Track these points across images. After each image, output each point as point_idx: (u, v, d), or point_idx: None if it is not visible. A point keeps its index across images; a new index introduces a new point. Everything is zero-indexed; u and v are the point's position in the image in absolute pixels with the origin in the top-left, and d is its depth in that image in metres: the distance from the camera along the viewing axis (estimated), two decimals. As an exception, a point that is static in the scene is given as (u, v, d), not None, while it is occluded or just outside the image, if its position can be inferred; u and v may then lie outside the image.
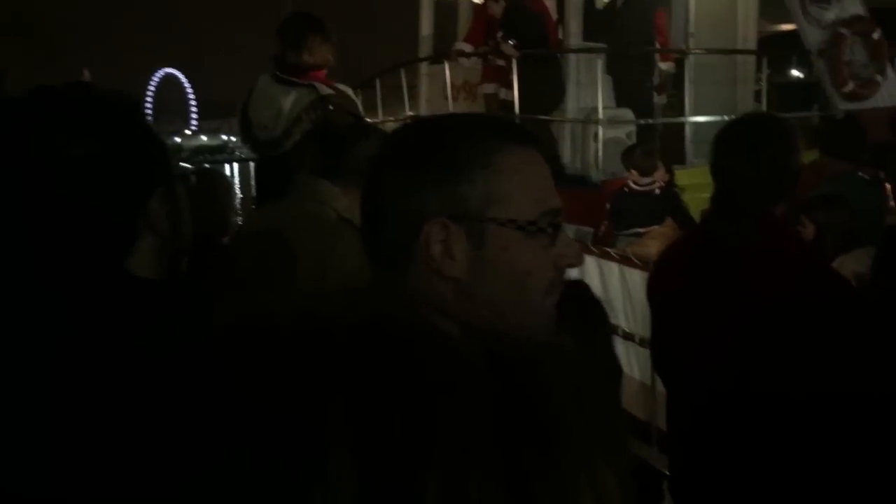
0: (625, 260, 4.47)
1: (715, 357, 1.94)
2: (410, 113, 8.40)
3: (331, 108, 3.14)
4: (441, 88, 7.76)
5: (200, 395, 0.35)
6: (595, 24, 7.09)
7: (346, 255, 2.14)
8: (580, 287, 1.57)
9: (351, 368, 0.35)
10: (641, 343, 3.94)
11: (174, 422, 0.35)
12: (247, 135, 3.46)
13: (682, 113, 7.03)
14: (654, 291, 2.27)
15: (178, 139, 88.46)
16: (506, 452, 0.35)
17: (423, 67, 8.62)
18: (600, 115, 6.57)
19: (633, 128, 6.86)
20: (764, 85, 7.33)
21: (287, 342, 0.36)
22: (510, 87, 6.70)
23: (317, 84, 3.28)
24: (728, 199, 2.04)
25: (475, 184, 0.91)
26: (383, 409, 0.34)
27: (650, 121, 7.03)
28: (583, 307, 1.48)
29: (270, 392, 0.34)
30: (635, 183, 5.60)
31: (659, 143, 6.64)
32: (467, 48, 7.19)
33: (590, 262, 4.54)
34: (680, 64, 7.26)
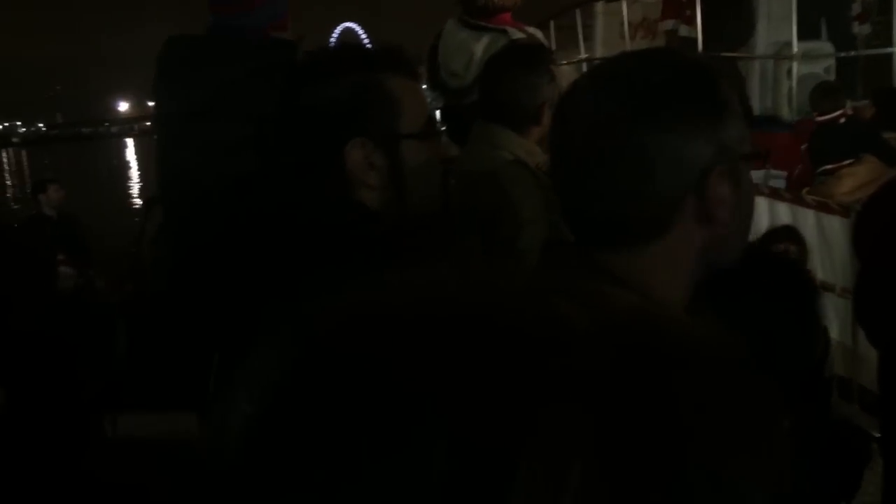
0: (821, 206, 4.12)
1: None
2: (585, 55, 8.14)
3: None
4: (618, 27, 7.44)
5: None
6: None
7: (522, 198, 2.09)
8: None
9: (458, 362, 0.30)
10: (842, 294, 3.63)
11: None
12: (435, 82, 3.37)
13: (889, 43, 6.32)
14: (862, 238, 2.04)
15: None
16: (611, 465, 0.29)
17: (599, 6, 8.29)
18: (794, 48, 6.04)
19: (832, 62, 6.26)
20: None
21: (409, 331, 0.32)
22: (691, 22, 6.29)
23: (508, 28, 3.14)
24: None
25: (731, 124, 0.87)
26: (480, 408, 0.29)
27: (852, 53, 6.38)
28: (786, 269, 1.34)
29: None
30: (819, 116, 5.12)
31: (861, 78, 6.03)
32: (647, -17, 6.84)
33: (782, 208, 4.22)
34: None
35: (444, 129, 3.41)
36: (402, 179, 1.27)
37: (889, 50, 6.28)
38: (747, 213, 0.92)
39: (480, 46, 3.11)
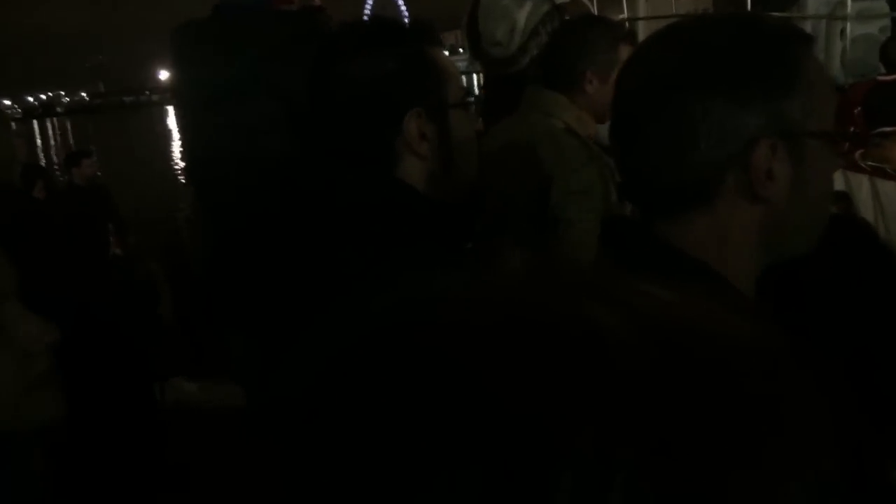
0: (876, 171, 3.98)
1: None
2: (628, 14, 7.96)
3: (567, 18, 2.94)
4: (663, -12, 7.25)
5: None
6: None
7: (572, 168, 2.04)
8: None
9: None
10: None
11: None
12: (476, 51, 3.29)
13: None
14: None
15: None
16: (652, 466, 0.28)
17: (643, -34, 8.09)
18: (848, 8, 5.83)
19: (887, 22, 6.03)
20: None
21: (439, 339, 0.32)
22: (741, -19, 6.11)
23: None
24: None
25: (798, 96, 0.83)
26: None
27: (909, 11, 6.15)
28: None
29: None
30: (882, 76, 4.93)
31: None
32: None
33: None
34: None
35: (476, 98, 3.34)
36: (450, 150, 1.27)
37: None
38: (816, 196, 0.87)
39: (523, 14, 3.03)
